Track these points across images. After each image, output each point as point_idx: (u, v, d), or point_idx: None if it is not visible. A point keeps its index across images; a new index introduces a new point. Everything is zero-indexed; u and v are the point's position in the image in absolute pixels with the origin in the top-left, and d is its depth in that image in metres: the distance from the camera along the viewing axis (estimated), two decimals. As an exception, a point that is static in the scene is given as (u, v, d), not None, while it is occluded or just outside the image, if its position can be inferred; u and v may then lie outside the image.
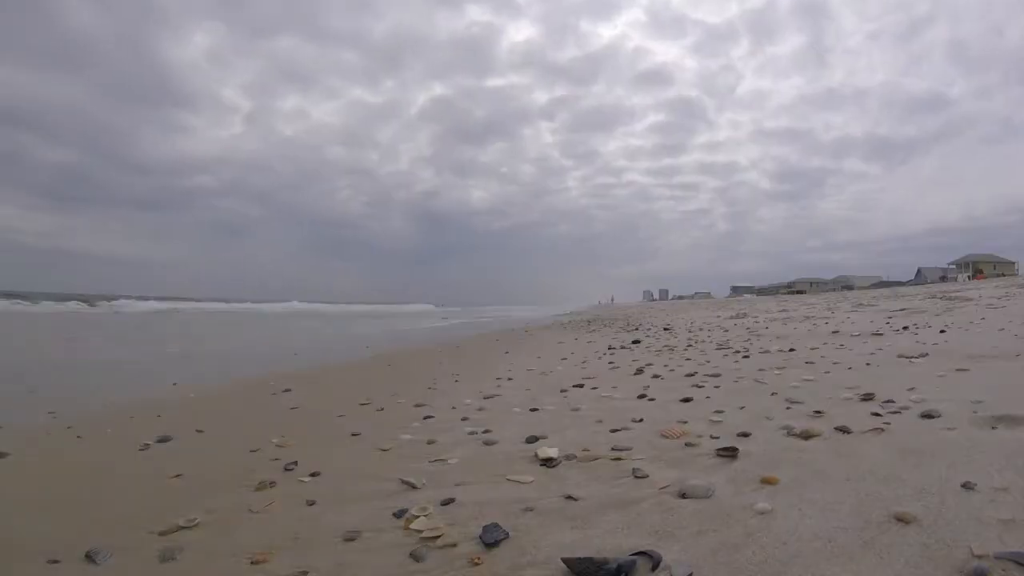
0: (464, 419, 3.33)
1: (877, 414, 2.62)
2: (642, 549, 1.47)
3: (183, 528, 1.84)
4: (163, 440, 3.07)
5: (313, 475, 2.34)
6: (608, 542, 1.56)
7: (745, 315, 14.16)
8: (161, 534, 1.80)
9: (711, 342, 7.49)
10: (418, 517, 1.81)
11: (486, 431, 2.96)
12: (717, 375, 4.38)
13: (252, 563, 1.59)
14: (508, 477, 2.18)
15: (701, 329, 10.43)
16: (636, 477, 2.06)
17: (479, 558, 1.52)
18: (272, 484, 2.25)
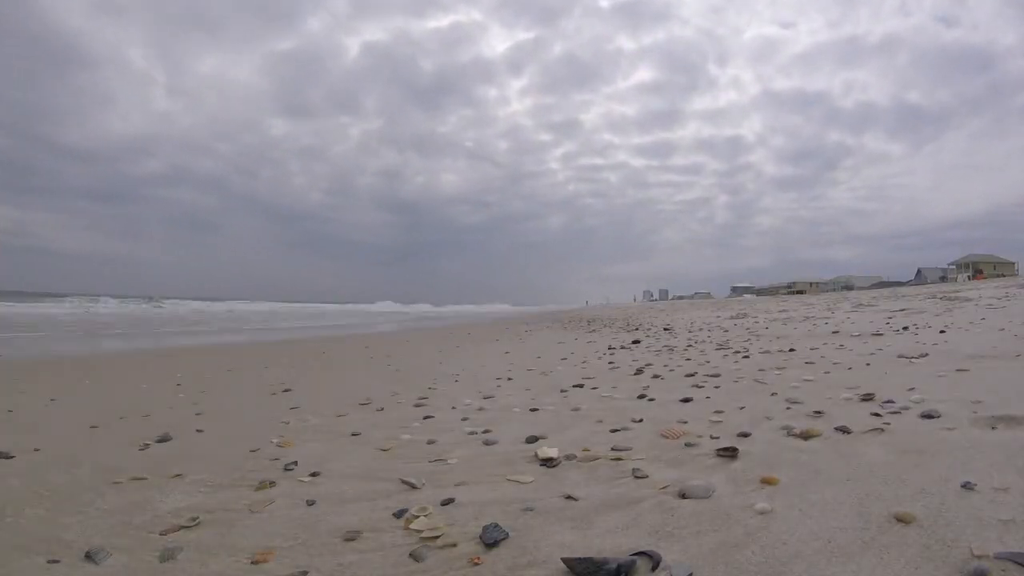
0: (464, 419, 3.33)
1: (877, 414, 2.62)
2: (642, 549, 1.47)
3: (183, 528, 1.84)
4: (163, 440, 3.07)
5: (313, 475, 2.34)
6: (608, 542, 1.56)
7: (745, 315, 14.16)
8: (161, 534, 1.80)
9: (711, 342, 7.50)
10: (418, 517, 1.81)
11: (486, 431, 2.96)
12: (717, 375, 4.38)
13: (252, 563, 1.59)
14: (508, 477, 2.18)
15: (701, 329, 10.44)
16: (636, 477, 2.06)
17: (479, 558, 1.52)
18: (272, 484, 2.25)
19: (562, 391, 4.16)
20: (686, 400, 3.43)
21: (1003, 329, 5.92)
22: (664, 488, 1.91)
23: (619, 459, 2.29)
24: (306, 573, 1.51)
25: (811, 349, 5.63)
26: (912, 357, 4.40)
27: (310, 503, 2.02)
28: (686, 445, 2.40)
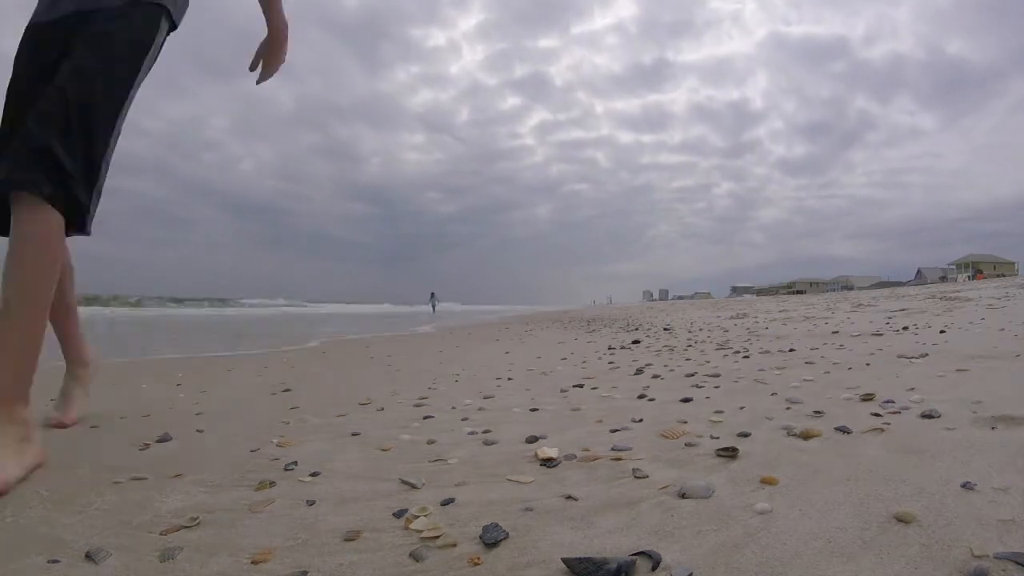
0: (464, 419, 3.33)
1: (877, 414, 2.62)
2: (642, 549, 1.47)
3: (183, 528, 1.84)
4: (163, 440, 3.07)
5: (313, 475, 2.34)
6: (608, 542, 1.56)
7: (745, 315, 14.16)
8: (161, 534, 1.80)
9: (711, 342, 7.49)
10: (418, 517, 1.81)
11: (486, 431, 2.96)
12: (717, 375, 4.38)
13: (252, 563, 1.58)
14: (508, 477, 2.18)
15: (701, 329, 10.43)
16: (636, 477, 2.06)
17: (479, 558, 1.52)
18: (272, 484, 2.25)
19: (562, 391, 4.16)
20: (686, 400, 3.43)
21: (1003, 329, 5.92)
22: (664, 488, 1.91)
23: (619, 459, 2.29)
24: (306, 573, 1.51)
25: (811, 349, 5.63)
26: (912, 357, 4.39)
27: (310, 503, 2.02)
28: (686, 445, 2.40)
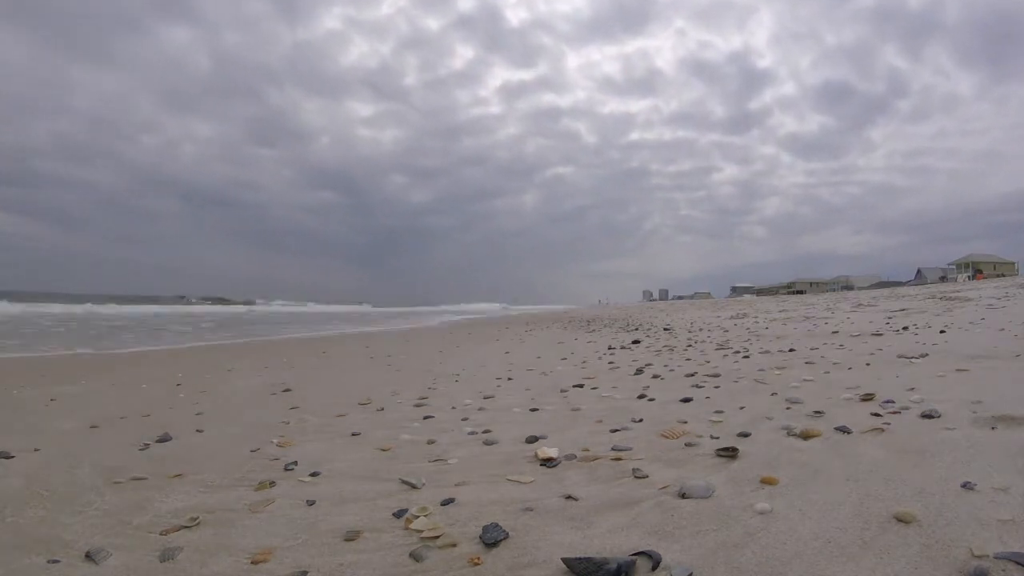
0: (464, 419, 3.33)
1: (877, 414, 2.62)
2: (642, 549, 1.47)
3: (183, 528, 1.84)
4: (163, 440, 3.07)
5: (313, 475, 2.34)
6: (608, 542, 1.56)
7: (745, 315, 14.16)
8: (161, 534, 1.80)
9: (711, 342, 7.49)
10: (418, 517, 1.81)
11: (486, 431, 2.97)
12: (717, 375, 4.38)
13: (252, 563, 1.59)
14: (508, 477, 2.18)
15: (701, 329, 10.43)
16: (636, 477, 2.06)
17: (479, 558, 1.52)
18: (272, 484, 2.25)
19: (562, 391, 4.16)
20: (686, 400, 3.43)
21: (1003, 329, 5.92)
22: (664, 488, 1.91)
23: (619, 459, 2.29)
24: (306, 573, 1.52)
25: (811, 349, 5.63)
26: (912, 357, 4.39)
27: (310, 503, 2.03)
28: (686, 445, 2.40)
